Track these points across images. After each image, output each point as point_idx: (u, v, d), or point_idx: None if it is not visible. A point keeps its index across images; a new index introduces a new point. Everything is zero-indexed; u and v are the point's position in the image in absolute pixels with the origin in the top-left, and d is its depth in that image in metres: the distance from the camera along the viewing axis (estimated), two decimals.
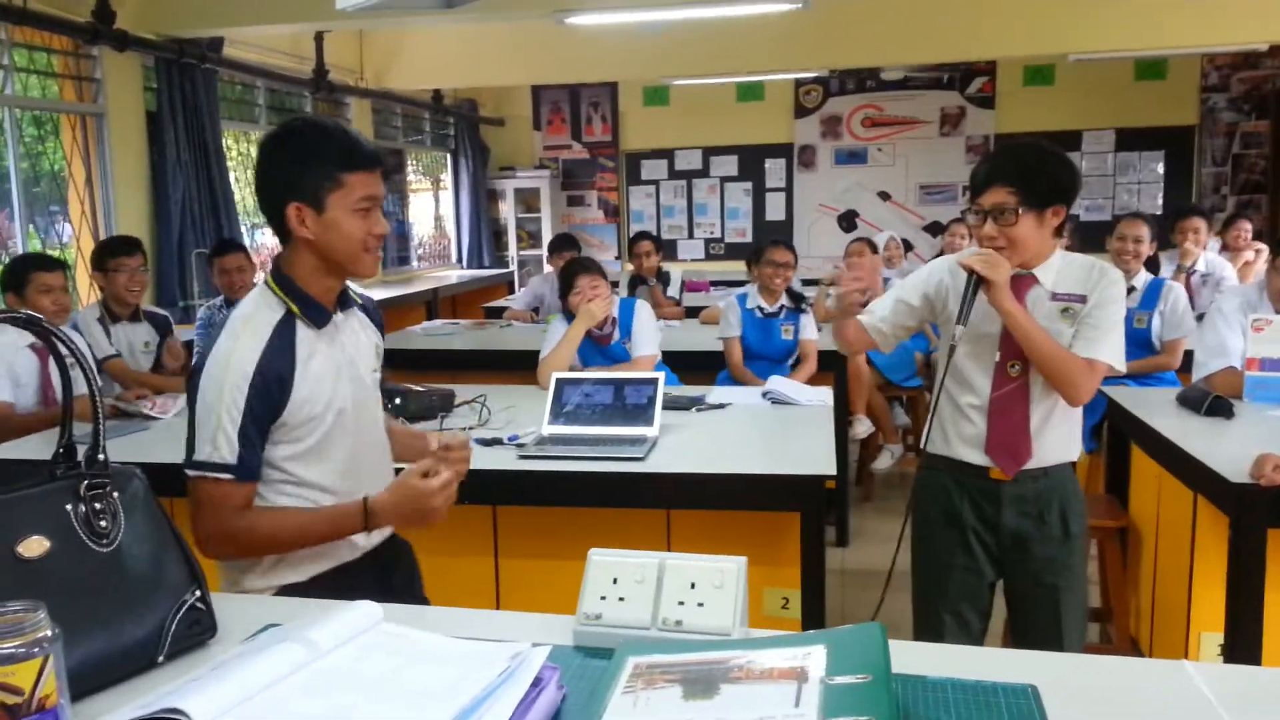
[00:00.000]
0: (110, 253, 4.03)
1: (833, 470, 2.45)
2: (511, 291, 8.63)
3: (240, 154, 6.69)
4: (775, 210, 9.59)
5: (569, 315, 3.78)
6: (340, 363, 1.75)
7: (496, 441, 2.78)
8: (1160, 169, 9.06)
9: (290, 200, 1.64)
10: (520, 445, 2.75)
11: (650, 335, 3.90)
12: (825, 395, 3.31)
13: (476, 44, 7.46)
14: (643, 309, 3.94)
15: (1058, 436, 2.22)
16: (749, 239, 9.39)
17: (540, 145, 9.95)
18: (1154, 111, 8.92)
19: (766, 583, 2.63)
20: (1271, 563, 2.25)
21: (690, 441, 2.79)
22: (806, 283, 6.54)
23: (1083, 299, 2.17)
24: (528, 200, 9.78)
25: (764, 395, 3.33)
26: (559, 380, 3.01)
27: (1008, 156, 2.21)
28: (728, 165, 9.64)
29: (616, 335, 3.82)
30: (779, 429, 2.96)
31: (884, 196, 9.40)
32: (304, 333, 1.69)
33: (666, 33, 6.60)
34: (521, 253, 9.72)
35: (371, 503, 1.69)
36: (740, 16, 6.00)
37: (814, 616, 2.44)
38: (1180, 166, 9.04)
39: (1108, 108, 8.92)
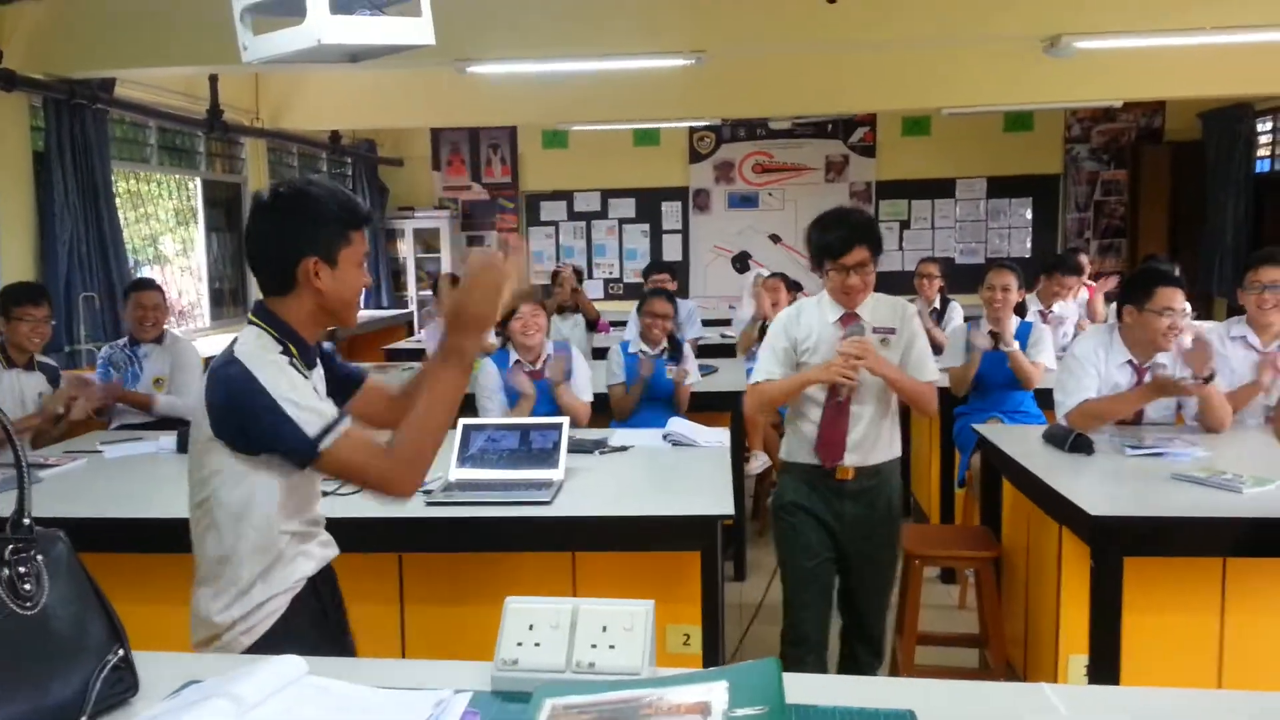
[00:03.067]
0: (14, 300, 3.90)
1: (730, 510, 2.58)
2: (411, 333, 8.58)
3: (129, 192, 6.52)
4: (672, 251, 9.83)
5: (504, 341, 3.97)
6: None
7: None
8: (1028, 215, 9.66)
9: (307, 255, 1.72)
10: (427, 492, 2.79)
11: (587, 380, 4.03)
12: (723, 436, 3.45)
13: (375, 86, 7.49)
14: (578, 353, 4.09)
15: (882, 442, 2.83)
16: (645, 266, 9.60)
17: (440, 186, 9.98)
18: (1022, 161, 9.52)
19: (669, 620, 2.73)
20: (1128, 588, 2.47)
21: (594, 484, 2.88)
22: (707, 323, 6.74)
23: (893, 331, 2.80)
24: (427, 240, 9.77)
25: (664, 437, 3.45)
26: (465, 425, 3.06)
27: (861, 222, 2.82)
28: (626, 207, 9.85)
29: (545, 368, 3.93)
30: (679, 470, 3.08)
31: (775, 239, 9.75)
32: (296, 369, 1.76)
33: (566, 81, 6.76)
34: (421, 293, 9.67)
35: (447, 328, 1.73)
36: (637, 69, 6.21)
37: (713, 652, 2.56)
38: (1047, 212, 9.66)
39: (979, 157, 9.49)
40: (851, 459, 2.80)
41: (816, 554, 2.85)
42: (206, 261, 7.35)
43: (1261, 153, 8.80)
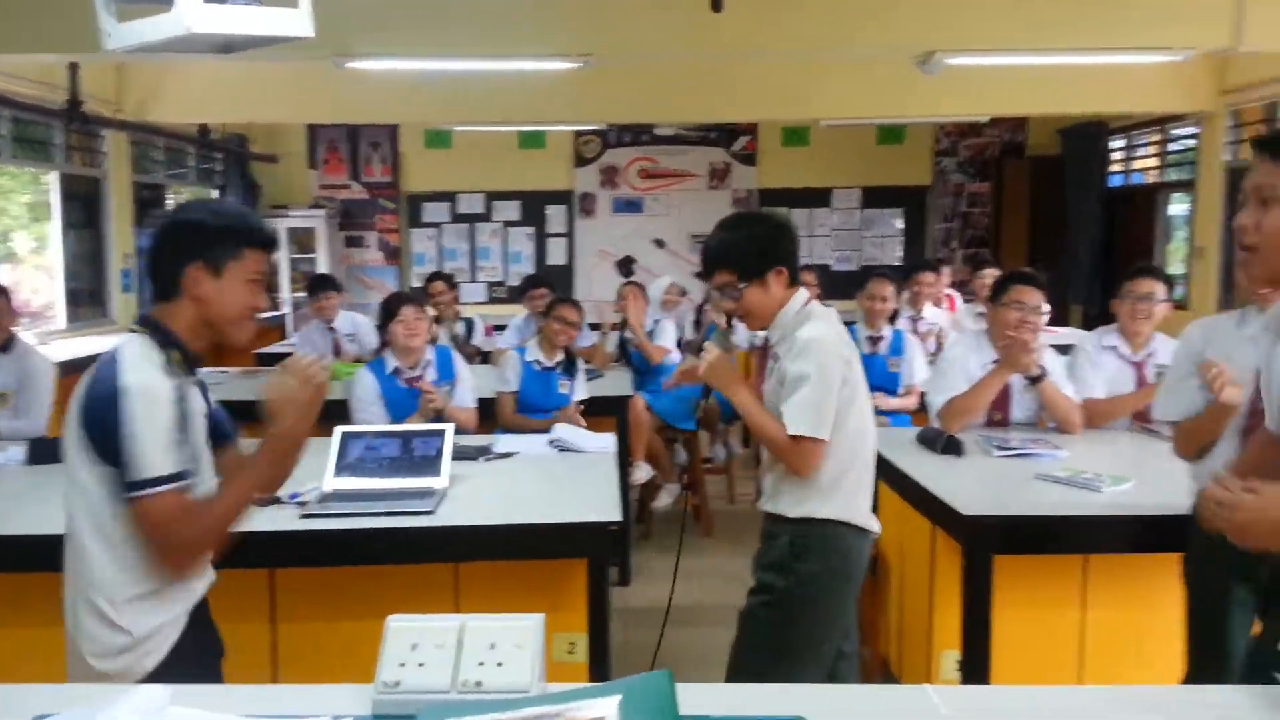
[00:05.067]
0: None
1: (618, 516, 2.57)
2: (284, 336, 8.27)
3: None
4: (557, 255, 9.79)
5: (382, 347, 3.86)
6: (198, 416, 1.84)
7: (274, 500, 2.68)
8: (900, 224, 10.02)
9: (193, 261, 1.77)
10: (302, 503, 2.68)
11: (471, 386, 3.95)
12: (609, 441, 3.44)
13: (248, 78, 7.17)
14: (460, 359, 4.00)
15: (787, 490, 2.39)
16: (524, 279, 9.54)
17: (316, 184, 9.66)
18: (894, 172, 9.88)
19: (554, 629, 2.68)
20: (998, 586, 2.57)
21: (479, 492, 2.83)
22: (593, 326, 6.73)
23: (777, 358, 2.42)
24: (302, 241, 9.43)
25: (550, 443, 3.42)
26: (343, 433, 2.96)
27: (721, 243, 2.45)
28: (510, 210, 9.75)
29: (432, 376, 3.83)
30: (565, 476, 3.05)
31: (659, 244, 9.82)
32: (178, 379, 1.78)
33: (450, 80, 6.63)
34: (295, 295, 9.34)
35: (265, 434, 1.82)
36: (523, 71, 6.15)
37: (600, 660, 2.54)
38: (916, 222, 10.04)
39: (855, 168, 9.79)
40: (763, 500, 2.49)
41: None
42: (63, 260, 6.90)
43: (1115, 168, 9.36)
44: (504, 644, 1.25)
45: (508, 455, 3.30)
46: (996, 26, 5.12)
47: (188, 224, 1.82)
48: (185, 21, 1.69)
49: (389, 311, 3.80)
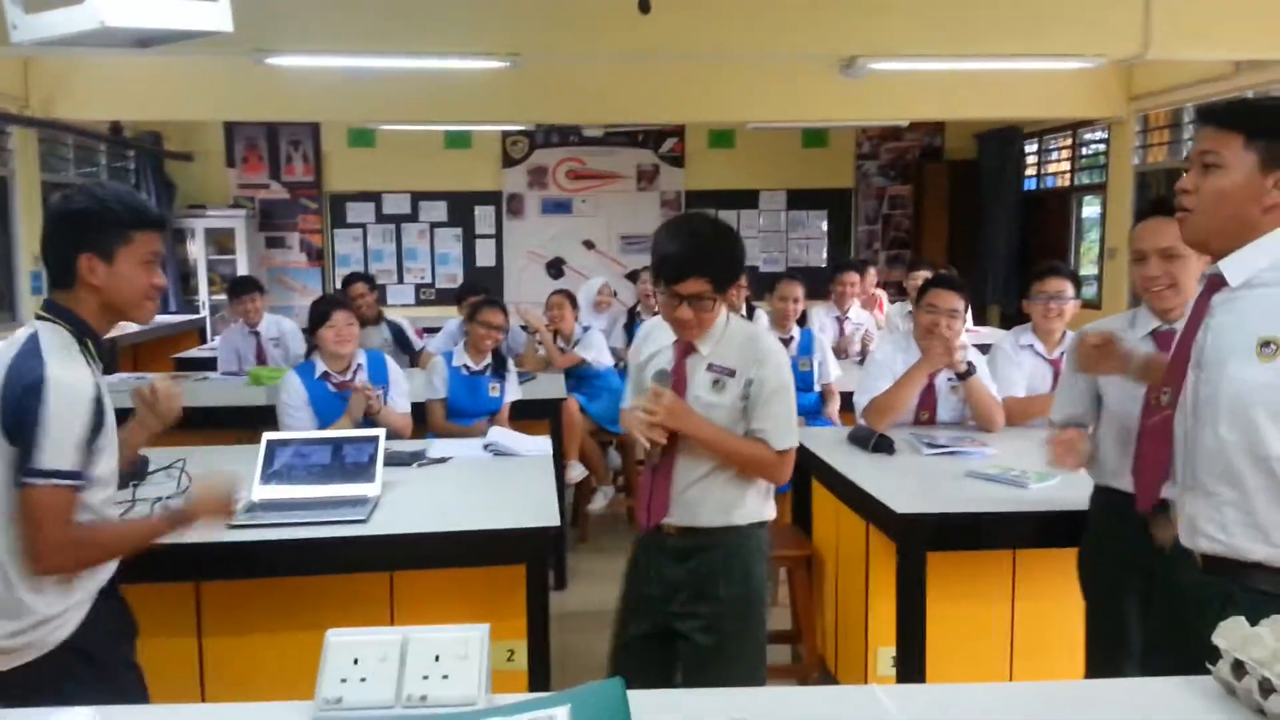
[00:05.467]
0: None
1: (556, 520, 2.55)
2: (203, 340, 8.03)
3: None
4: (485, 256, 9.69)
5: (311, 350, 3.79)
6: (111, 411, 1.88)
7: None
8: (824, 226, 10.18)
9: (83, 251, 1.81)
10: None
11: (405, 392, 3.89)
12: (545, 445, 3.42)
13: (162, 74, 6.93)
14: (394, 364, 3.92)
15: (713, 500, 2.29)
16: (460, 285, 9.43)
17: (235, 183, 9.39)
18: (818, 175, 10.03)
19: (493, 636, 2.66)
20: (931, 582, 2.61)
21: (413, 499, 2.78)
22: (523, 328, 6.67)
23: (733, 373, 2.27)
24: (220, 241, 9.16)
25: (485, 447, 3.37)
26: (269, 440, 2.88)
27: (703, 249, 2.24)
28: (437, 211, 9.62)
29: (363, 380, 3.75)
30: (501, 481, 3.02)
31: (589, 245, 9.80)
32: (91, 364, 1.84)
33: (374, 77, 6.52)
34: (213, 297, 9.07)
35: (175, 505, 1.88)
36: (449, 69, 6.07)
37: (540, 666, 2.51)
38: (840, 224, 10.21)
39: (780, 171, 9.91)
40: (676, 516, 2.32)
41: (640, 623, 2.39)
42: None
43: (1029, 172, 9.66)
44: (448, 656, 1.22)
45: (442, 460, 3.24)
46: (918, 33, 5.23)
47: (73, 214, 1.86)
48: (99, 14, 1.62)
49: (320, 316, 3.72)
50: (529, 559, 2.48)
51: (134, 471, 2.92)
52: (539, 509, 2.62)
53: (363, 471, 2.81)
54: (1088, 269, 8.65)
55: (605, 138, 9.66)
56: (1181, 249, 2.31)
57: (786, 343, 4.65)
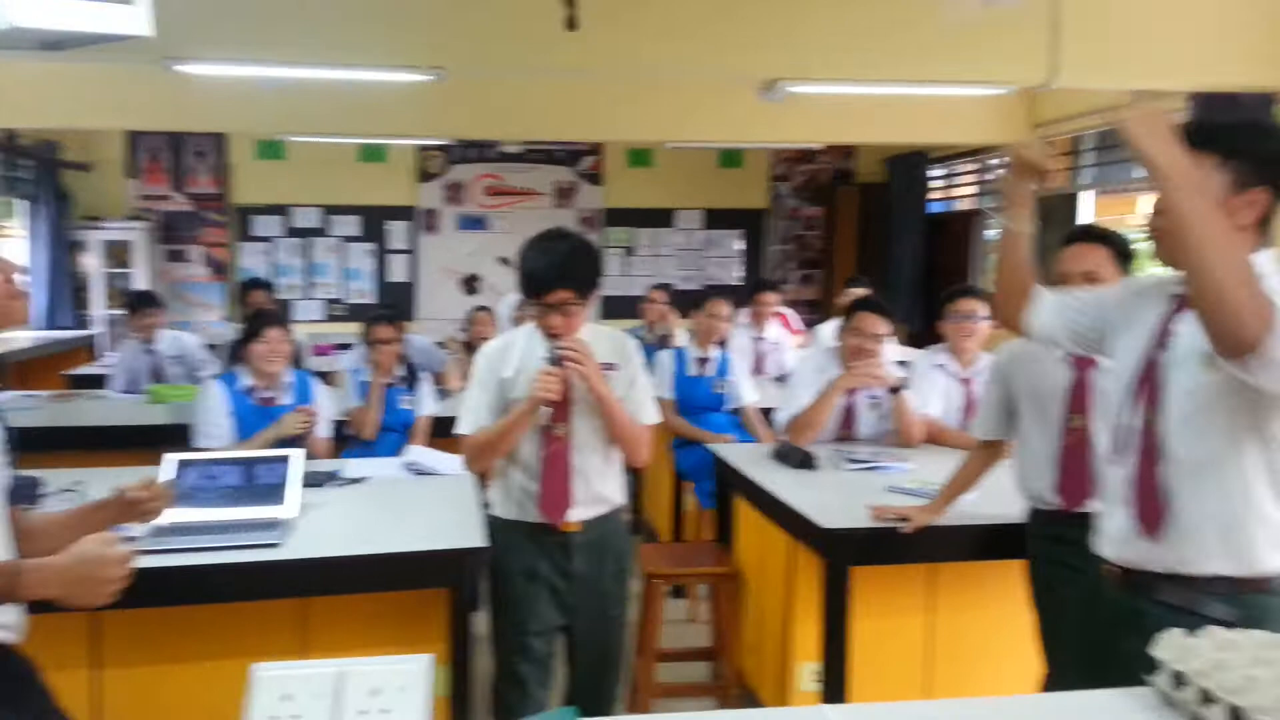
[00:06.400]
0: None
1: (481, 541, 2.49)
2: (94, 356, 7.67)
3: None
4: (399, 272, 9.51)
5: (235, 364, 3.68)
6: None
7: None
8: (739, 246, 10.31)
9: None
10: (131, 538, 2.46)
11: (328, 416, 3.81)
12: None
13: (59, 81, 6.60)
14: (320, 384, 3.82)
15: (608, 485, 2.57)
16: (372, 301, 9.23)
17: (135, 195, 9.02)
18: (734, 195, 10.16)
19: None
20: (854, 597, 2.64)
21: (329, 521, 2.69)
22: (439, 344, 6.57)
23: (614, 366, 2.53)
24: (118, 254, 8.78)
25: (405, 466, 3.29)
26: (180, 461, 2.75)
27: (565, 263, 2.46)
28: (349, 225, 9.40)
29: (289, 400, 3.65)
30: (422, 501, 2.94)
31: (504, 262, 9.69)
32: None
33: (286, 88, 6.34)
34: (109, 313, 8.69)
35: (29, 564, 1.50)
36: (364, 81, 5.95)
37: (463, 692, 2.45)
38: (755, 244, 10.36)
39: (697, 190, 10.02)
40: (579, 512, 2.50)
41: (545, 626, 2.54)
42: None
43: (934, 195, 9.95)
44: (388, 689, 1.16)
45: (359, 480, 3.15)
46: (836, 57, 5.34)
47: None
48: (7, 15, 1.52)
49: (253, 330, 3.62)
50: (452, 582, 2.42)
51: (25, 494, 2.77)
52: (462, 529, 2.56)
53: (275, 493, 2.71)
54: (989, 289, 8.94)
55: (524, 154, 9.61)
56: (1103, 273, 2.39)
57: (704, 363, 4.65)
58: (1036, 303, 1.98)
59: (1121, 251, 2.43)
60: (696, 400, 4.57)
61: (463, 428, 2.53)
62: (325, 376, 5.41)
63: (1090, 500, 2.35)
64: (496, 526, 2.56)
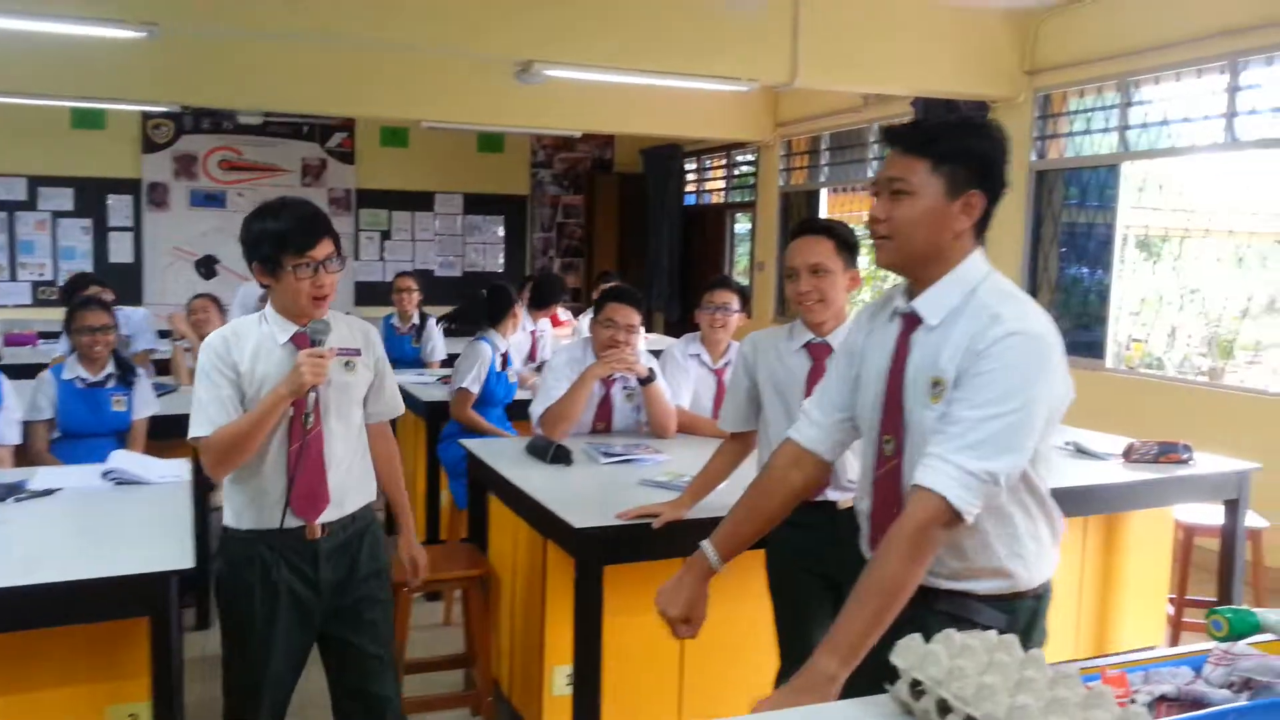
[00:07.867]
0: None
1: (189, 562, 2.19)
2: None
3: None
4: (121, 252, 8.59)
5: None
6: None
7: None
8: (501, 232, 10.14)
9: None
10: None
11: (16, 420, 3.33)
12: (182, 469, 2.99)
13: None
14: (7, 383, 3.28)
15: (363, 483, 2.42)
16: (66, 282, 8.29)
17: None
18: (495, 181, 9.98)
19: (109, 700, 2.26)
20: (608, 595, 2.57)
21: (8, 543, 2.29)
22: (163, 334, 5.96)
23: (358, 352, 2.39)
24: None
25: (104, 475, 2.89)
26: None
27: (322, 215, 2.31)
28: (62, 198, 8.38)
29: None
30: (123, 515, 2.58)
31: None
32: None
33: None
34: None
35: None
36: (72, 36, 5.24)
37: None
38: (517, 231, 10.23)
39: (456, 174, 9.74)
40: (332, 511, 2.31)
41: (291, 649, 2.33)
42: None
43: (689, 188, 10.22)
44: None
45: (47, 493, 2.73)
46: (590, 43, 5.31)
47: None
48: None
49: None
50: (153, 610, 2.11)
51: None
52: (169, 547, 2.25)
53: None
54: (739, 280, 9.31)
55: (265, 127, 8.94)
56: (829, 264, 2.44)
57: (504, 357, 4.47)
58: (810, 437, 1.89)
59: (846, 243, 2.48)
60: (497, 394, 4.39)
61: (198, 429, 2.25)
62: (29, 371, 4.74)
63: (829, 488, 2.40)
64: (231, 539, 2.31)
